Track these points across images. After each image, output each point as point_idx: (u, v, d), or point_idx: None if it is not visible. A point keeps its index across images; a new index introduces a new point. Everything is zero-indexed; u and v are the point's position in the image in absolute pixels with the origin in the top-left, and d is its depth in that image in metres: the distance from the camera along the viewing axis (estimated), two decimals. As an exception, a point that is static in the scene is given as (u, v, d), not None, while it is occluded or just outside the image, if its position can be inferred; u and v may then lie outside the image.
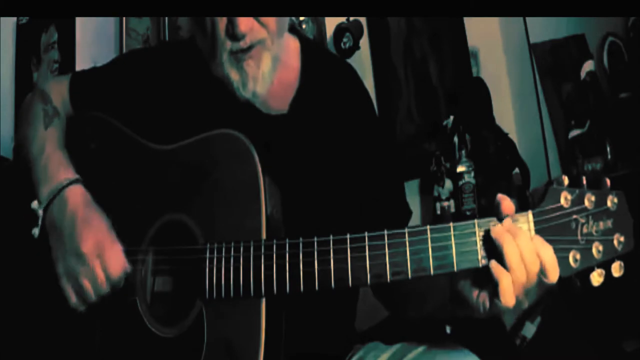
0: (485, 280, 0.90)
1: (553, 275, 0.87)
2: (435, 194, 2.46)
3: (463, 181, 2.42)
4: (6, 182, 1.20)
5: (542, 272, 0.88)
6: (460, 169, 2.43)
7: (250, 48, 1.08)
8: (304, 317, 1.06)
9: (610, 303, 1.96)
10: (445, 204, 2.45)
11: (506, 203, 0.90)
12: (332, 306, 1.17)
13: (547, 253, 0.87)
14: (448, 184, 2.45)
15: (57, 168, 1.09)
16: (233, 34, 1.06)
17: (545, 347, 2.32)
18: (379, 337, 1.28)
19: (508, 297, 0.88)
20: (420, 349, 1.14)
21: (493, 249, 0.88)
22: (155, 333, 1.03)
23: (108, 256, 1.02)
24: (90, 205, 1.07)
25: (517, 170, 2.54)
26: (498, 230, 0.88)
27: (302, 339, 1.09)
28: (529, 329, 2.39)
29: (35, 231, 1.06)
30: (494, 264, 0.88)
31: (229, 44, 1.08)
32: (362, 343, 1.27)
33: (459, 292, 0.95)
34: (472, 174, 2.43)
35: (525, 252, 0.87)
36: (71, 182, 1.07)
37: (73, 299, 1.04)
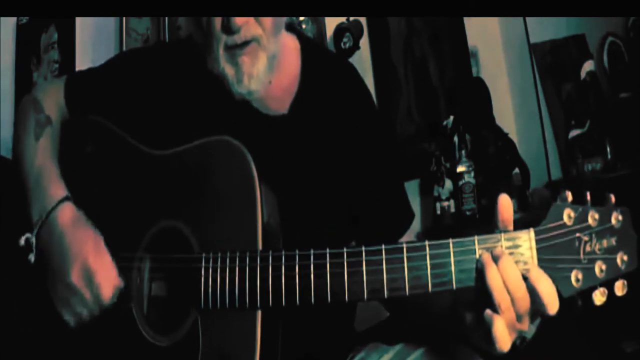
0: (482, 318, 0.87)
1: (552, 308, 0.84)
2: (435, 194, 2.46)
3: (463, 181, 2.43)
4: (6, 182, 1.20)
5: (541, 304, 0.84)
6: (460, 169, 2.43)
7: (245, 44, 1.07)
8: (303, 317, 1.06)
9: (610, 303, 1.96)
10: (445, 204, 2.45)
11: (503, 202, 0.87)
12: (331, 308, 1.16)
13: (545, 285, 0.84)
14: (448, 184, 2.45)
15: (46, 186, 1.08)
16: (228, 27, 1.05)
17: (545, 347, 2.32)
18: (379, 338, 1.27)
19: (503, 342, 0.85)
20: (422, 349, 1.14)
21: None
22: (150, 341, 1.02)
23: (98, 282, 1.01)
24: (78, 225, 1.05)
25: (517, 170, 2.54)
26: (484, 258, 0.86)
27: (301, 340, 1.09)
28: (529, 329, 2.38)
29: (31, 257, 1.05)
30: (487, 312, 0.85)
31: (224, 38, 1.06)
32: (362, 344, 1.27)
33: (460, 318, 0.93)
34: (472, 174, 2.43)
35: (508, 277, 0.84)
36: (59, 202, 1.06)
37: (69, 320, 1.04)
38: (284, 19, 1.16)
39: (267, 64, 1.09)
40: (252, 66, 1.08)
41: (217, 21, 1.06)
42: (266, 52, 1.08)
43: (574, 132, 2.78)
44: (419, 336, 1.18)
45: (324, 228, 0.95)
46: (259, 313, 0.95)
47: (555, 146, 2.76)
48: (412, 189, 2.48)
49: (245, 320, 0.95)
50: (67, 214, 1.06)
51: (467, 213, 2.44)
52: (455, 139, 2.46)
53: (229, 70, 1.08)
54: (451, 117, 2.50)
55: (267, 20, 1.08)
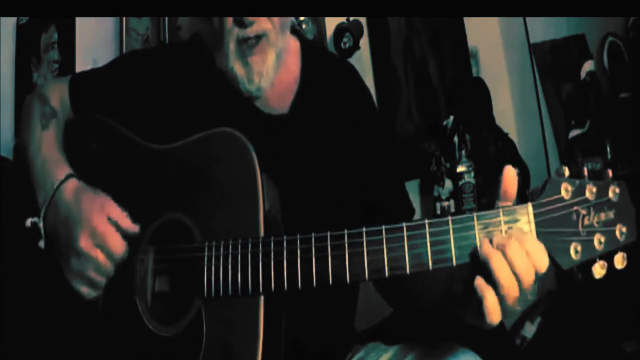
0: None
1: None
2: (435, 194, 2.46)
3: (463, 181, 2.42)
4: (6, 182, 1.20)
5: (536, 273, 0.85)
6: (460, 169, 2.43)
7: (256, 40, 1.09)
8: (304, 316, 1.06)
9: (610, 303, 1.96)
10: (445, 204, 2.45)
11: (508, 174, 0.89)
12: (332, 305, 1.17)
13: (543, 260, 0.85)
14: (448, 184, 2.45)
15: (51, 171, 1.09)
16: (241, 20, 1.07)
17: (545, 347, 2.32)
18: (379, 337, 1.28)
19: (494, 314, 0.85)
20: (421, 349, 1.14)
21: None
22: (154, 332, 1.03)
23: (106, 239, 1.01)
24: (82, 193, 1.06)
25: (517, 170, 2.54)
26: (485, 249, 0.86)
27: (301, 338, 1.10)
28: (529, 329, 2.39)
29: (41, 243, 1.06)
30: (478, 281, 0.86)
31: (236, 31, 1.08)
32: (361, 343, 1.27)
33: (456, 295, 0.94)
34: (472, 174, 2.43)
35: (517, 264, 0.84)
36: (63, 181, 1.07)
37: (86, 292, 1.04)
38: (290, 19, 1.18)
39: (275, 60, 1.11)
40: (262, 64, 1.10)
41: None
42: (274, 48, 1.11)
43: (574, 132, 2.78)
44: (418, 336, 1.19)
45: (324, 223, 0.96)
46: (262, 300, 0.95)
47: (555, 146, 2.76)
48: (412, 189, 2.48)
49: (248, 307, 0.96)
50: (70, 187, 1.07)
51: (467, 213, 2.43)
52: (455, 139, 2.46)
53: (238, 69, 1.11)
54: (451, 117, 2.49)
55: (276, 17, 1.09)
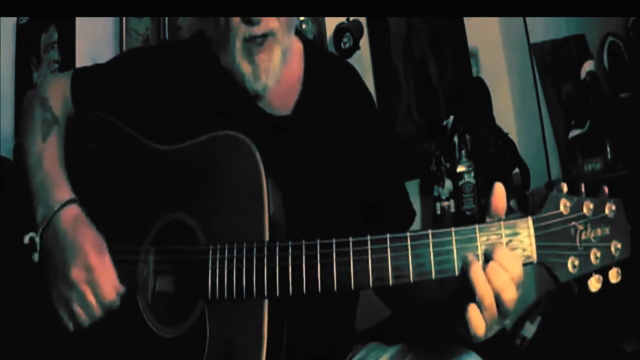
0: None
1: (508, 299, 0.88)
2: (435, 194, 2.46)
3: (463, 181, 2.42)
4: (6, 182, 1.20)
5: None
6: (460, 169, 2.43)
7: (263, 38, 1.09)
8: (305, 317, 1.06)
9: (610, 304, 1.96)
10: (445, 204, 2.45)
11: (497, 191, 0.91)
12: (333, 306, 1.17)
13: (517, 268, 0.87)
14: (448, 184, 2.45)
15: (52, 189, 1.08)
16: (248, 18, 1.06)
17: (545, 347, 2.32)
18: (379, 337, 1.28)
19: (477, 327, 0.88)
20: (422, 349, 1.14)
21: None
22: (157, 333, 1.03)
23: (99, 280, 1.01)
24: (82, 226, 1.05)
25: (517, 170, 2.54)
26: (475, 274, 0.88)
27: (302, 339, 1.10)
28: (529, 329, 2.39)
29: (35, 256, 1.05)
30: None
31: (243, 29, 1.08)
32: (362, 343, 1.27)
33: (447, 305, 0.96)
34: (472, 174, 2.43)
35: (503, 291, 0.87)
36: (65, 204, 1.06)
37: (67, 323, 1.04)
38: (296, 20, 1.18)
39: (281, 58, 1.11)
40: (269, 62, 1.10)
41: None
42: (281, 47, 1.10)
43: (574, 132, 2.78)
44: (418, 336, 1.19)
45: (326, 226, 0.96)
46: (266, 303, 0.96)
47: (555, 146, 2.76)
48: (412, 189, 2.48)
49: (252, 310, 0.96)
50: (71, 214, 1.06)
51: (467, 213, 2.44)
52: (455, 139, 2.46)
53: (245, 68, 1.10)
54: (451, 117, 2.49)
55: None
